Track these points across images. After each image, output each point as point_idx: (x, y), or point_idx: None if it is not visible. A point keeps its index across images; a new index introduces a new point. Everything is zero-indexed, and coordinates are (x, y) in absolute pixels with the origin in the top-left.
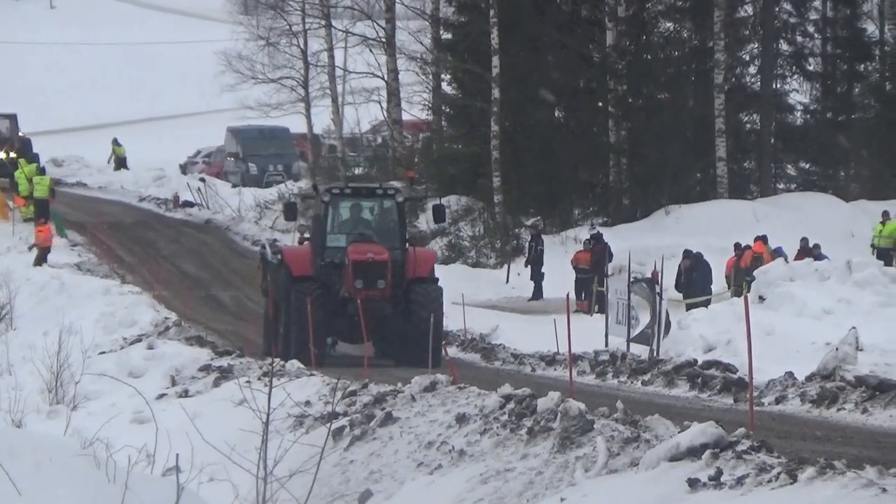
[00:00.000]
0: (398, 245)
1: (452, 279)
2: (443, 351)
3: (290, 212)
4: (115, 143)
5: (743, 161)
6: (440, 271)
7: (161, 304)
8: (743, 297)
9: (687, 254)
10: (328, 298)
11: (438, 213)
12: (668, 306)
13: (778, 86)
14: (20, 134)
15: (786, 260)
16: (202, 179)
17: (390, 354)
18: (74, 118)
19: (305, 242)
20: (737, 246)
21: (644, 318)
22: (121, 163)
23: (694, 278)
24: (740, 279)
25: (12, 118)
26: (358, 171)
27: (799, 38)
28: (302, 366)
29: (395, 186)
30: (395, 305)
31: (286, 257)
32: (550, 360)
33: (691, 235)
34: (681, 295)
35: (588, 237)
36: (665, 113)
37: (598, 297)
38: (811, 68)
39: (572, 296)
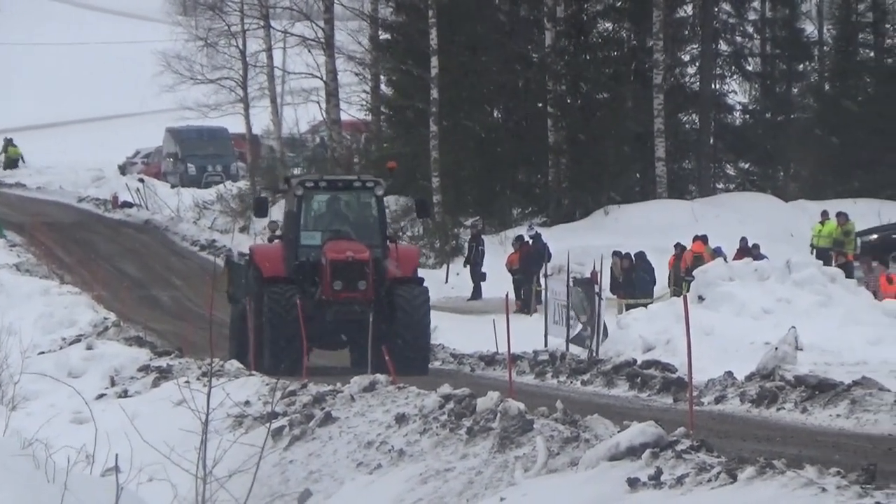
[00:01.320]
0: (379, 242)
1: None
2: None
3: (260, 207)
4: (11, 143)
5: (682, 161)
6: None
7: (100, 304)
8: (682, 296)
9: (617, 254)
10: (304, 301)
11: (422, 207)
12: (605, 307)
13: (717, 86)
14: None
15: (725, 260)
16: (141, 180)
17: (365, 360)
18: (11, 119)
19: (276, 241)
20: (677, 246)
21: (581, 319)
22: (11, 163)
23: (634, 278)
24: (679, 279)
25: None
26: (297, 171)
27: (738, 39)
28: (241, 366)
29: (374, 178)
30: (377, 309)
31: (256, 257)
32: (490, 360)
33: (630, 235)
34: (615, 296)
35: (516, 238)
36: (604, 113)
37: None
38: (750, 68)
39: (511, 296)
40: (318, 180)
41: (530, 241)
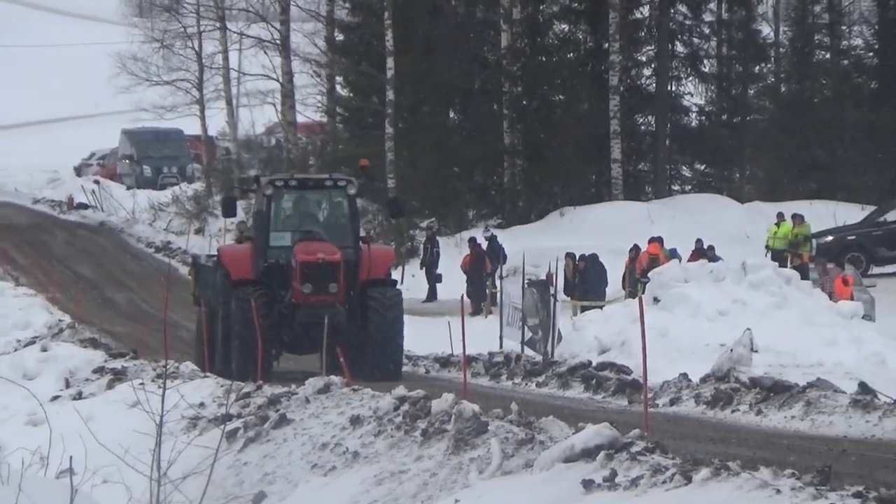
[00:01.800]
0: (351, 243)
1: None
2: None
3: (228, 207)
4: None
5: (638, 163)
6: None
7: (55, 306)
8: (638, 298)
9: (570, 256)
10: (273, 304)
11: (396, 207)
12: (560, 309)
13: (673, 87)
14: None
15: (680, 261)
16: (96, 182)
17: (339, 366)
18: None
19: (245, 242)
20: (633, 248)
21: (529, 323)
22: None
23: (588, 280)
24: (634, 281)
25: None
26: (252, 173)
27: (694, 40)
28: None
29: (346, 177)
30: (349, 312)
31: (224, 258)
32: (445, 362)
33: (586, 237)
34: (569, 297)
35: (469, 239)
36: (560, 115)
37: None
38: (706, 70)
39: (467, 298)
40: (287, 179)
41: (483, 244)
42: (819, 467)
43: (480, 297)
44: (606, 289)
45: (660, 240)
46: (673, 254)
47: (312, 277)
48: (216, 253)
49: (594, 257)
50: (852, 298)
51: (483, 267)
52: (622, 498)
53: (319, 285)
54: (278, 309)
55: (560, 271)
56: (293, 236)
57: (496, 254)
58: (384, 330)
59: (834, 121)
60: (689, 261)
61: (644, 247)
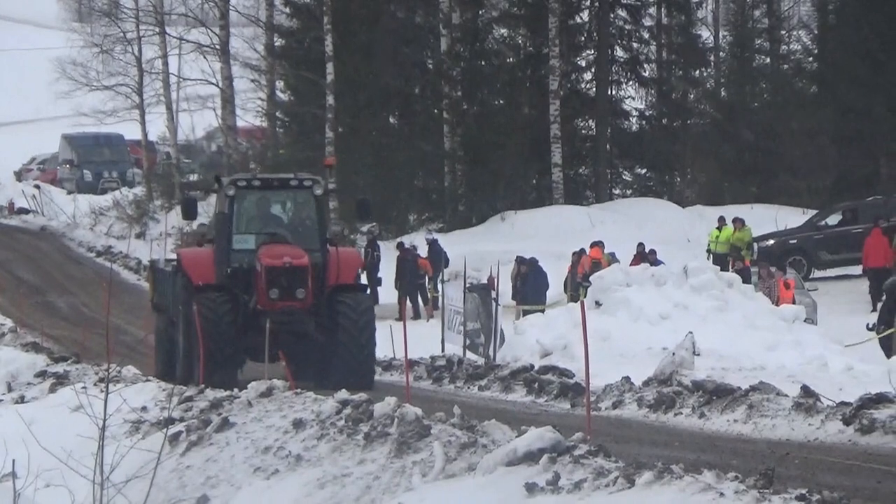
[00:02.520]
0: (318, 246)
1: None
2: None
3: (188, 209)
4: None
5: (578, 167)
6: None
7: None
8: (580, 302)
9: (521, 260)
10: (237, 311)
11: (363, 208)
12: (502, 313)
13: (613, 92)
14: None
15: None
16: (37, 186)
17: (309, 376)
18: None
19: (206, 245)
20: (576, 253)
21: (476, 326)
22: None
23: (528, 284)
24: (576, 285)
25: None
26: (193, 177)
27: (634, 45)
28: (138, 372)
29: (312, 177)
30: (317, 318)
31: (184, 262)
32: (387, 366)
33: (527, 241)
34: (514, 301)
35: (397, 244)
36: (500, 119)
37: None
38: (646, 74)
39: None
40: (250, 179)
41: (419, 248)
42: (762, 470)
43: (413, 300)
44: (547, 293)
45: (601, 244)
46: (612, 258)
47: (279, 282)
48: (175, 257)
49: (534, 261)
50: (794, 302)
51: (414, 271)
52: (565, 501)
53: (286, 290)
54: (243, 315)
55: (503, 276)
56: (257, 239)
57: (438, 257)
58: (355, 337)
59: (774, 125)
60: (631, 265)
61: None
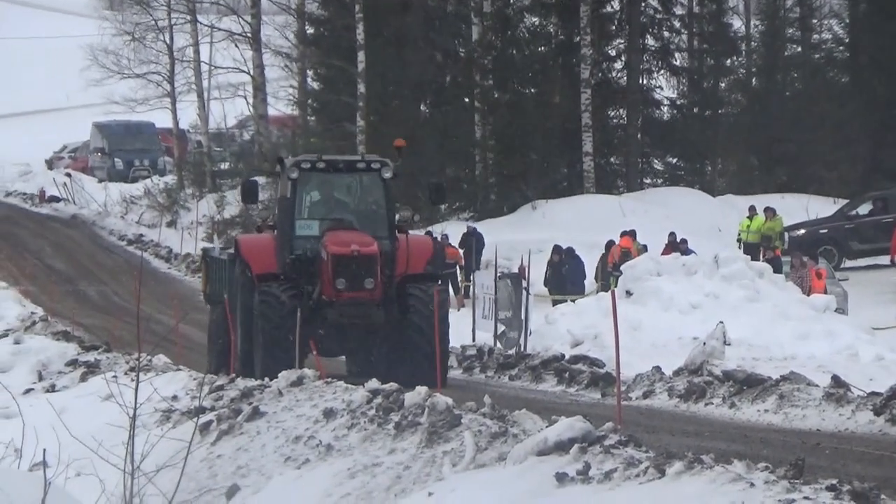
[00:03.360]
0: (386, 233)
1: None
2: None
3: (249, 193)
4: None
5: (609, 156)
6: None
7: (27, 298)
8: (610, 291)
9: (557, 249)
10: (300, 302)
11: (438, 192)
12: (534, 302)
13: (644, 81)
14: None
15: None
16: (68, 174)
17: (377, 373)
18: None
19: (266, 232)
20: (609, 243)
21: (507, 315)
22: None
23: (563, 273)
24: (607, 274)
25: None
26: (224, 166)
27: (665, 34)
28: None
29: (380, 159)
30: (386, 310)
31: (243, 250)
32: None
33: (558, 230)
34: (547, 290)
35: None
36: (531, 108)
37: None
38: (677, 63)
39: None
40: (315, 161)
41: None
42: (792, 461)
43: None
44: (584, 282)
45: (632, 233)
46: (643, 248)
47: (346, 272)
48: (233, 244)
49: (571, 251)
50: (825, 292)
51: (442, 259)
52: (595, 491)
53: (354, 280)
54: (307, 307)
55: (534, 265)
56: (321, 225)
57: (471, 248)
58: (428, 332)
59: (805, 114)
60: (662, 254)
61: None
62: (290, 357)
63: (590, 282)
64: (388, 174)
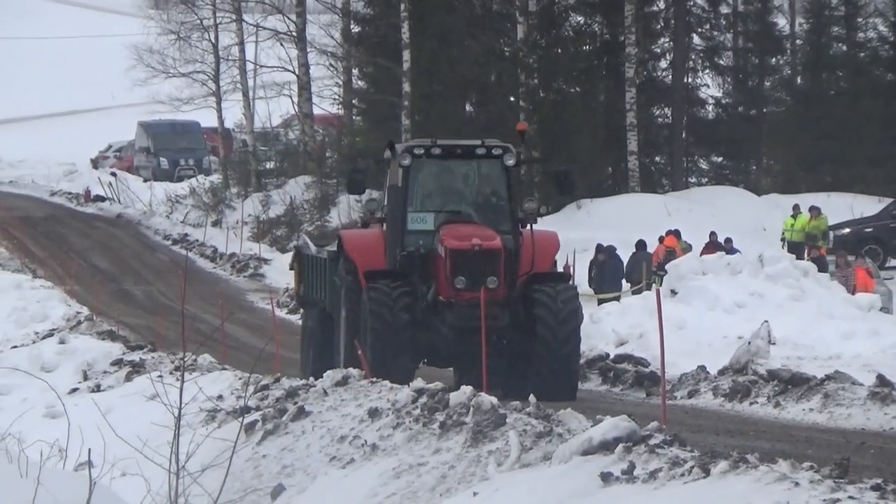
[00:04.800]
0: (508, 227)
1: None
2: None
3: (355, 182)
4: None
5: (654, 155)
6: None
7: (73, 298)
8: (655, 290)
9: (599, 248)
10: (414, 303)
11: (566, 180)
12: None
13: (689, 80)
14: None
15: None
16: (113, 174)
17: (497, 383)
18: None
19: (373, 225)
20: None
21: None
22: None
23: (605, 272)
24: (651, 273)
25: None
26: (269, 165)
27: (711, 33)
28: (213, 360)
29: (502, 145)
30: (511, 313)
31: (348, 245)
32: None
33: (603, 229)
34: (592, 290)
35: None
36: (576, 107)
37: None
38: (722, 62)
39: None
40: (429, 146)
41: None
42: (837, 460)
43: None
44: (623, 281)
45: (677, 232)
46: (687, 247)
47: (466, 269)
48: (336, 239)
49: (611, 249)
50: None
51: None
52: (640, 491)
53: (475, 279)
54: (421, 308)
55: (579, 264)
56: (437, 218)
57: None
58: (558, 338)
59: (850, 113)
60: (702, 254)
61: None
62: (404, 362)
63: (636, 279)
64: (510, 161)
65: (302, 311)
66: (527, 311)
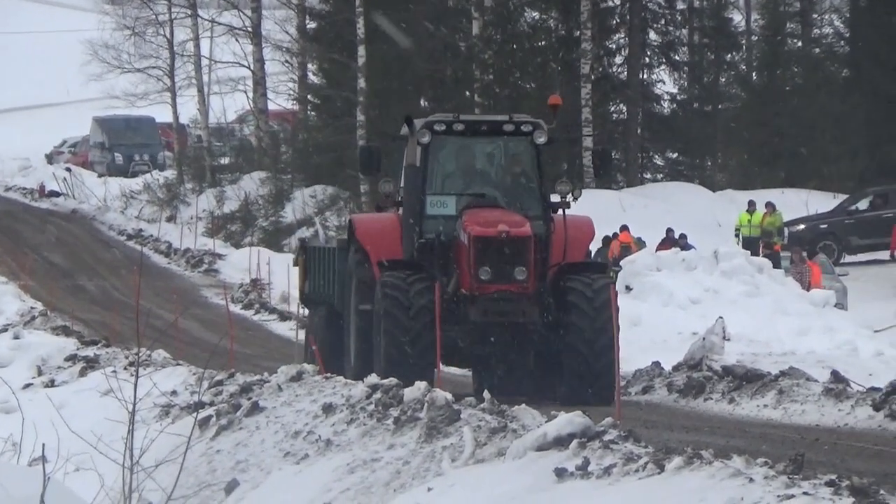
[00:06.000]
0: (539, 212)
1: None
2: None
3: (368, 160)
4: None
5: (610, 151)
6: None
7: (27, 293)
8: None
9: None
10: (433, 295)
11: (604, 160)
12: None
13: (645, 76)
14: None
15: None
16: (68, 169)
17: (525, 386)
18: None
19: (388, 210)
20: (607, 236)
21: None
22: None
23: None
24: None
25: None
26: (224, 161)
27: (667, 28)
28: (168, 356)
29: (532, 120)
30: (541, 307)
31: (359, 232)
32: None
33: None
34: None
35: None
36: (532, 103)
37: None
38: (678, 58)
39: None
40: (451, 122)
41: None
42: (792, 456)
43: None
44: None
45: (626, 228)
46: (641, 243)
47: (493, 258)
48: (348, 225)
49: None
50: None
51: None
52: (595, 486)
53: (502, 270)
54: (442, 303)
55: None
56: (459, 202)
57: None
58: (593, 335)
59: (805, 109)
60: (657, 249)
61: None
62: (424, 364)
63: None
64: (541, 139)
65: (307, 311)
66: (558, 306)
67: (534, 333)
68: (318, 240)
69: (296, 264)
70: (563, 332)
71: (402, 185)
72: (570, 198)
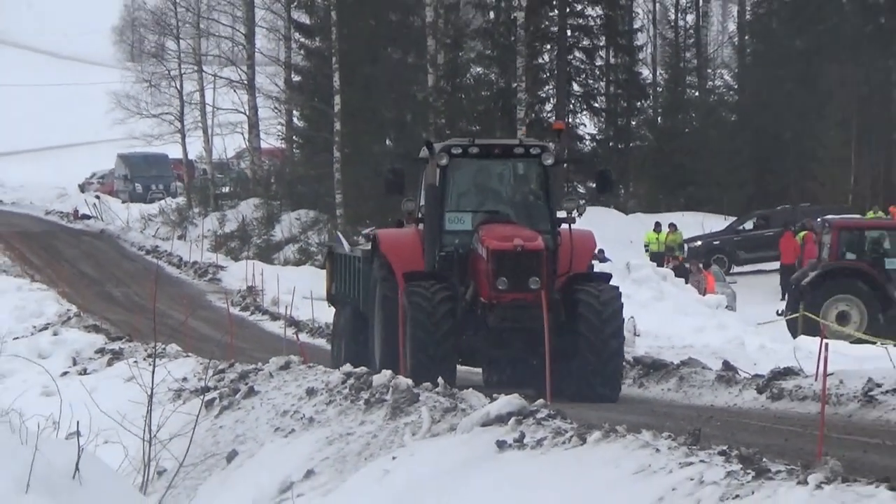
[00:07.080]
0: (547, 227)
1: (303, 278)
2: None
3: (394, 183)
4: None
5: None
6: (294, 274)
7: (64, 298)
8: (543, 293)
9: None
10: (454, 304)
11: (605, 180)
12: None
13: (570, 120)
14: None
15: None
16: (97, 196)
17: (537, 387)
18: None
19: (409, 225)
20: None
21: None
22: None
23: None
24: None
25: None
26: (225, 189)
27: (588, 81)
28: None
29: (540, 143)
30: (552, 314)
31: (384, 245)
32: None
33: None
34: None
35: None
36: None
37: None
38: (597, 105)
39: None
40: (467, 145)
41: None
42: (690, 431)
43: None
44: None
45: None
46: None
47: (509, 270)
48: (370, 239)
49: None
50: (715, 293)
51: None
52: (530, 456)
53: (517, 280)
54: (461, 310)
55: None
56: (474, 218)
57: None
58: (601, 340)
59: (702, 147)
60: None
61: None
62: (447, 364)
63: None
64: (549, 160)
65: (333, 308)
66: (568, 312)
67: (544, 338)
68: (343, 247)
69: (323, 267)
70: (574, 335)
71: (422, 203)
72: (575, 213)
